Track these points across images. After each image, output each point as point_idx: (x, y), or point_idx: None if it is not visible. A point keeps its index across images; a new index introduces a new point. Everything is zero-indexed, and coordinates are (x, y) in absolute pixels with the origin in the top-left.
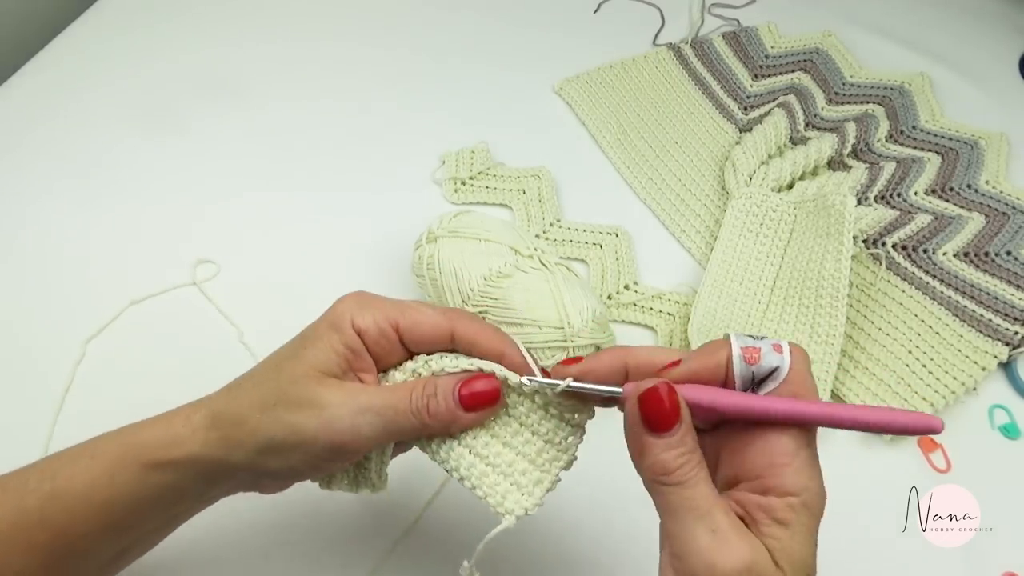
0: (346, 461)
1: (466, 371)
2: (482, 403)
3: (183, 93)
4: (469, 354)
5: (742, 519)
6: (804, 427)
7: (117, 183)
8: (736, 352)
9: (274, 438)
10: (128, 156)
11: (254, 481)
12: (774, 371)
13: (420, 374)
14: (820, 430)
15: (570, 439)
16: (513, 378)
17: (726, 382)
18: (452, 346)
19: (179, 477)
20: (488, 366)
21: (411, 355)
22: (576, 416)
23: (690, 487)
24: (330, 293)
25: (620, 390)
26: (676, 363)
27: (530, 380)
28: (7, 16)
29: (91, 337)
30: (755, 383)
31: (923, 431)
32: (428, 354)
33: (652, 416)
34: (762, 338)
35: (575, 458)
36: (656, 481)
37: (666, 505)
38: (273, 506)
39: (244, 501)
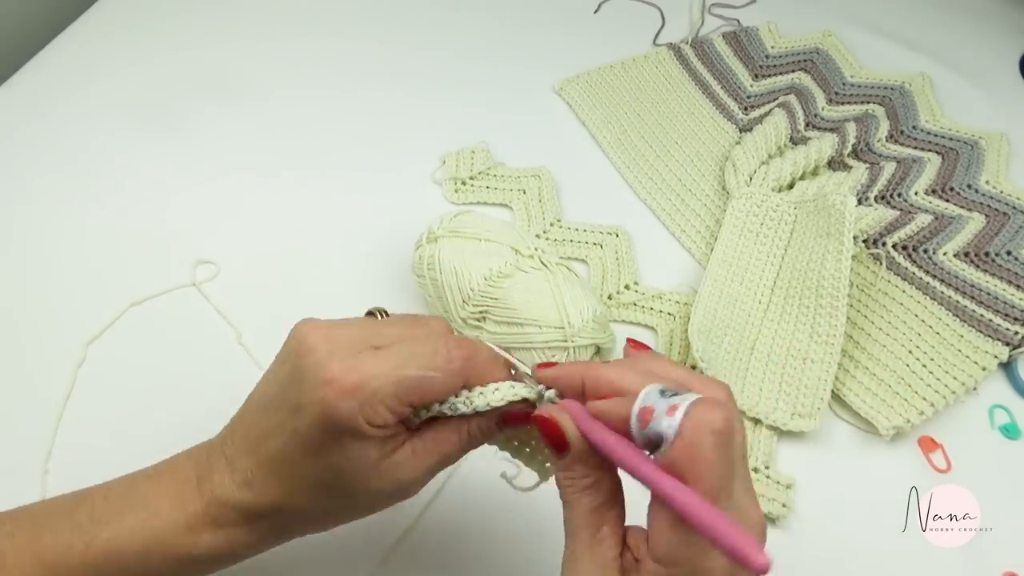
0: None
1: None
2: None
3: (184, 92)
4: None
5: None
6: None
7: (118, 183)
8: (634, 411)
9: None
10: (129, 156)
11: None
12: (661, 438)
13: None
14: (824, 425)
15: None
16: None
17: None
18: None
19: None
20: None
21: None
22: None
23: (568, 508)
24: (328, 293)
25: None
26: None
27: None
28: (7, 16)
29: (92, 339)
30: (653, 444)
31: (738, 557)
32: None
33: (546, 439)
34: (676, 394)
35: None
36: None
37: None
38: None
39: None
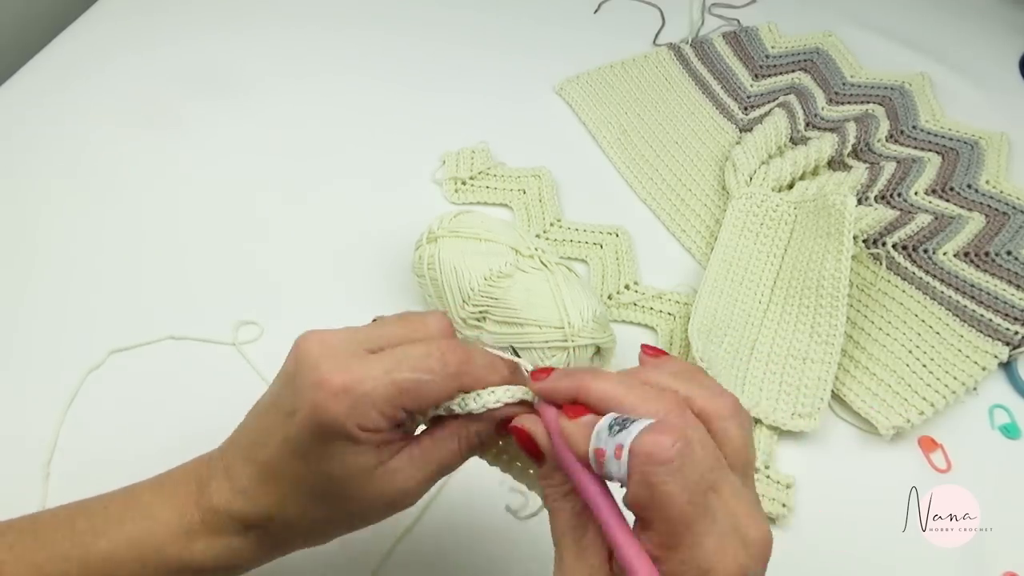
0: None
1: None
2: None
3: (184, 91)
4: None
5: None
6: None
7: (122, 182)
8: (591, 453)
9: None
10: (131, 155)
11: None
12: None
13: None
14: (824, 425)
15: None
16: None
17: None
18: None
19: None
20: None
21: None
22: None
23: (552, 514)
24: (326, 293)
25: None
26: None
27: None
28: (7, 16)
29: (117, 350)
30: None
31: None
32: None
33: (521, 448)
34: (623, 429)
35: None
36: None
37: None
38: None
39: None
